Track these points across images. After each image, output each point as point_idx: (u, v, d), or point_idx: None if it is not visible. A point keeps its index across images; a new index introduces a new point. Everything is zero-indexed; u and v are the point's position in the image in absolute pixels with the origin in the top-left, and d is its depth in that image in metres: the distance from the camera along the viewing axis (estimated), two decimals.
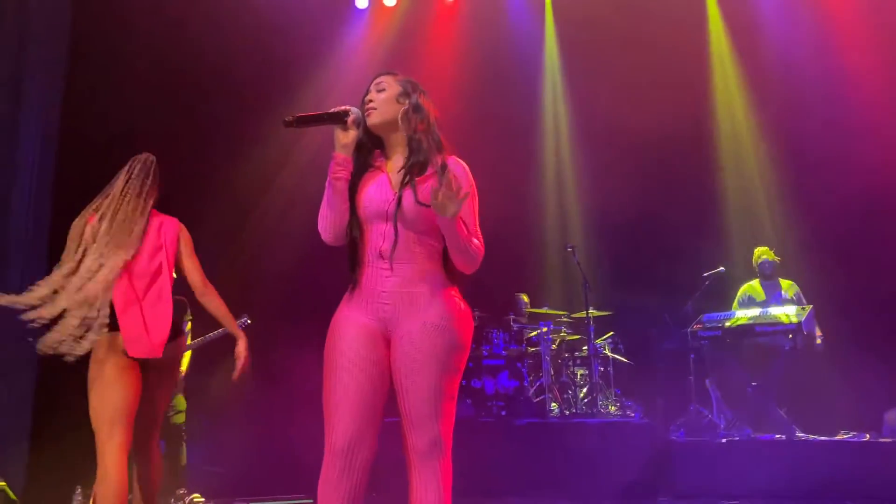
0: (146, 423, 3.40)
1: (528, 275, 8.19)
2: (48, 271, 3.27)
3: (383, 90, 2.66)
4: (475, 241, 2.53)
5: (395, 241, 2.52)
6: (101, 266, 3.27)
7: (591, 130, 8.03)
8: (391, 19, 7.93)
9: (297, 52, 7.30)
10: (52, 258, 3.42)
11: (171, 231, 3.50)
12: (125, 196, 3.45)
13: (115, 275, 3.27)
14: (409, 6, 7.93)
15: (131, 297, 3.31)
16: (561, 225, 8.47)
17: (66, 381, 5.09)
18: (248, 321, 5.33)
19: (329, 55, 7.50)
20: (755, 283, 6.86)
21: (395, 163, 2.65)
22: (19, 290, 3.13)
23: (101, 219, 3.37)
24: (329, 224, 2.58)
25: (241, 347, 3.51)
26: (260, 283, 6.87)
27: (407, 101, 2.64)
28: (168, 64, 6.60)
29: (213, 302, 3.47)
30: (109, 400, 3.24)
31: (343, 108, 2.56)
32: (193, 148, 6.65)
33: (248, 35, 7.05)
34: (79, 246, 3.30)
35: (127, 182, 3.49)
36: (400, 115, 2.60)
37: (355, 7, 7.97)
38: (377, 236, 2.57)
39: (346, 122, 2.55)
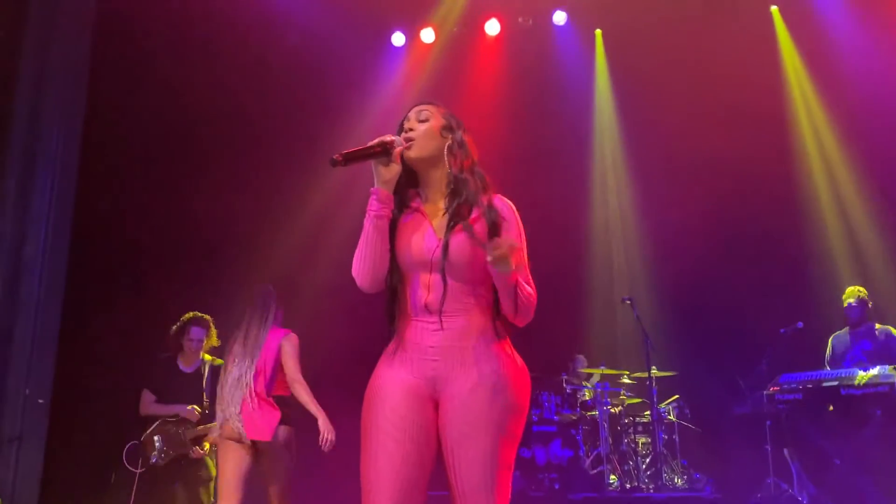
0: (271, 497, 4.41)
1: (580, 330, 8.22)
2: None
3: (425, 121, 2.66)
4: (528, 288, 2.52)
5: (445, 293, 2.50)
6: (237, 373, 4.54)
7: (648, 168, 8.10)
8: (430, 56, 8.18)
9: (330, 92, 7.68)
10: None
11: (275, 340, 4.66)
12: (250, 324, 4.69)
13: (247, 378, 4.55)
14: (449, 42, 8.18)
15: (250, 392, 4.51)
16: (616, 273, 8.48)
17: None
18: None
19: (364, 95, 7.78)
20: (843, 332, 6.75)
21: (435, 204, 2.65)
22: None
23: (237, 341, 4.66)
24: (368, 268, 2.56)
25: (323, 425, 4.42)
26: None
27: (451, 136, 2.66)
28: (195, 106, 7.07)
29: (299, 391, 4.53)
30: (223, 474, 4.41)
31: (388, 138, 2.58)
32: (217, 194, 7.06)
33: (280, 75, 7.44)
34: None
35: (252, 313, 4.71)
36: (445, 150, 2.61)
37: (391, 45, 8.26)
38: (421, 287, 2.56)
39: (390, 155, 2.56)
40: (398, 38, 8.29)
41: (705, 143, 7.38)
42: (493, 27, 8.23)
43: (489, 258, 2.37)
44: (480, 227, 2.52)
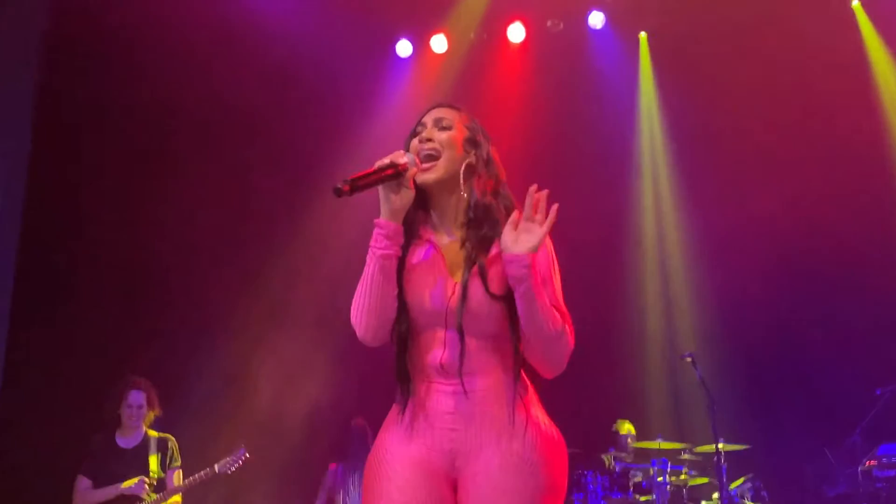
0: None
1: (629, 394, 8.08)
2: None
3: (447, 129, 2.58)
4: (558, 317, 2.44)
5: (463, 351, 2.44)
6: None
7: (706, 194, 8.03)
8: (442, 67, 8.23)
9: (323, 108, 7.80)
10: None
11: None
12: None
13: None
14: (465, 51, 8.22)
15: None
16: (672, 325, 8.32)
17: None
18: (246, 454, 5.88)
19: (364, 113, 7.88)
20: None
21: (450, 234, 2.59)
22: None
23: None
24: (371, 316, 2.49)
25: None
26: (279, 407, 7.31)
27: (475, 152, 2.57)
28: (171, 120, 7.39)
29: None
30: None
31: (401, 159, 2.47)
32: (209, 222, 7.34)
33: (265, 88, 7.61)
34: None
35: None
36: (463, 170, 2.53)
37: (396, 55, 8.31)
38: (435, 341, 2.50)
39: (402, 179, 2.47)
40: (404, 48, 8.31)
41: (776, 165, 7.43)
42: (516, 32, 8.23)
43: (502, 240, 2.35)
44: (499, 266, 2.44)
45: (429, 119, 2.62)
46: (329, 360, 7.23)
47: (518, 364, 2.49)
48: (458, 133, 2.59)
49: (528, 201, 2.38)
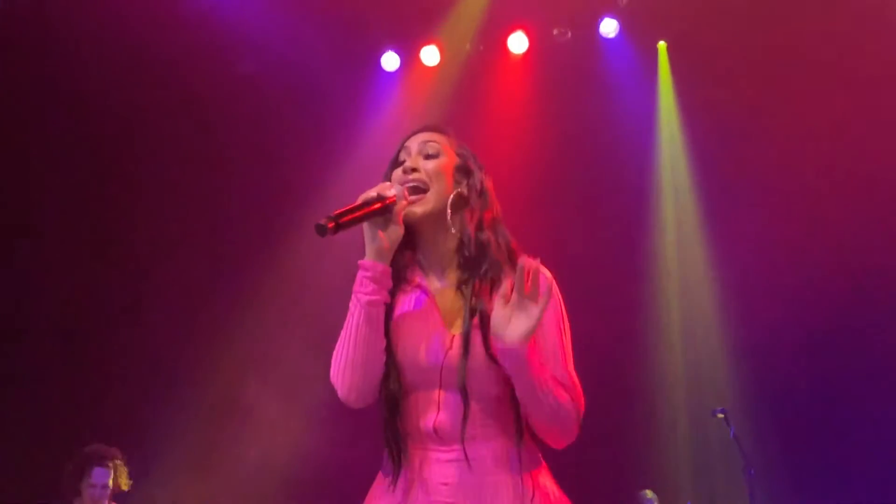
0: None
1: (652, 457, 7.80)
2: None
3: (435, 156, 2.54)
4: (562, 392, 2.39)
5: (466, 413, 2.39)
6: None
7: (737, 221, 7.82)
8: (434, 82, 8.02)
9: (297, 129, 7.66)
10: None
11: None
12: None
13: None
14: (460, 64, 8.01)
15: None
16: (699, 376, 8.00)
17: None
18: None
19: (345, 135, 7.68)
20: None
21: (440, 278, 2.56)
22: None
23: None
24: (356, 373, 2.45)
25: None
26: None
27: (466, 182, 2.54)
28: (153, 147, 7.43)
29: None
30: None
31: (389, 192, 2.44)
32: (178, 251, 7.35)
33: (231, 109, 7.52)
34: None
35: None
36: (451, 203, 2.48)
37: (381, 69, 8.11)
38: (428, 403, 2.45)
39: (390, 214, 2.42)
40: (390, 61, 8.08)
41: (815, 187, 7.28)
42: (518, 43, 8.01)
43: (492, 324, 2.28)
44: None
45: (413, 145, 2.56)
46: (305, 420, 6.95)
47: (521, 428, 2.45)
48: (447, 160, 2.54)
49: (518, 274, 2.25)
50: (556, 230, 7.07)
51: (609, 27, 7.96)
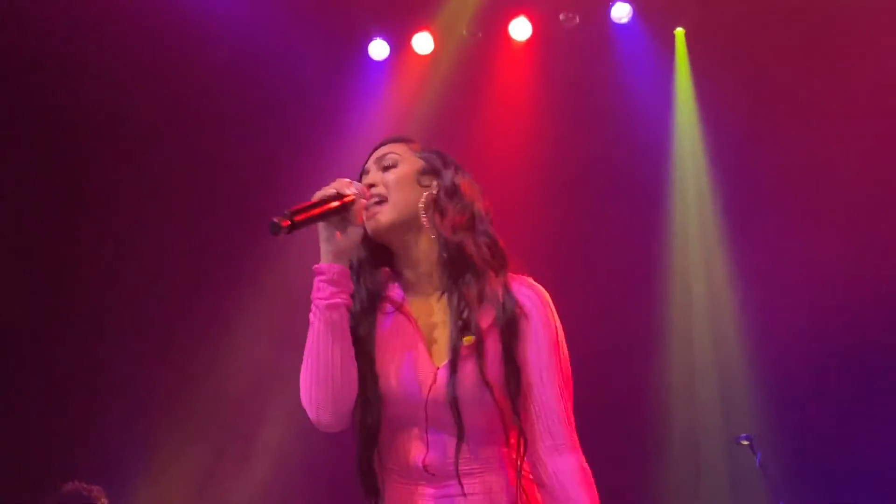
0: None
1: (671, 487, 7.55)
2: None
3: (392, 167, 2.58)
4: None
5: (459, 451, 2.39)
6: None
7: (759, 223, 7.64)
8: (427, 72, 7.79)
9: (275, 124, 7.51)
10: None
11: None
12: None
13: None
14: (455, 52, 7.77)
15: None
16: (723, 397, 7.76)
17: None
18: None
19: (331, 128, 7.47)
20: None
21: (425, 295, 2.55)
22: None
23: None
24: (322, 389, 2.39)
25: None
26: None
27: (435, 182, 2.57)
28: (110, 140, 7.38)
29: None
30: None
31: (348, 189, 2.44)
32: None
33: (204, 100, 7.37)
34: None
35: None
36: (423, 204, 2.50)
37: (368, 58, 7.90)
38: (414, 439, 2.45)
39: (348, 214, 2.43)
40: (379, 49, 7.85)
41: (848, 188, 7.10)
42: (520, 29, 7.78)
43: None
44: (492, 340, 2.44)
45: (370, 163, 2.62)
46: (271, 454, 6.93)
47: (512, 457, 2.47)
48: (407, 167, 2.58)
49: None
50: (560, 232, 6.98)
51: (621, 12, 7.79)
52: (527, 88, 7.90)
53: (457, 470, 2.40)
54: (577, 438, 2.44)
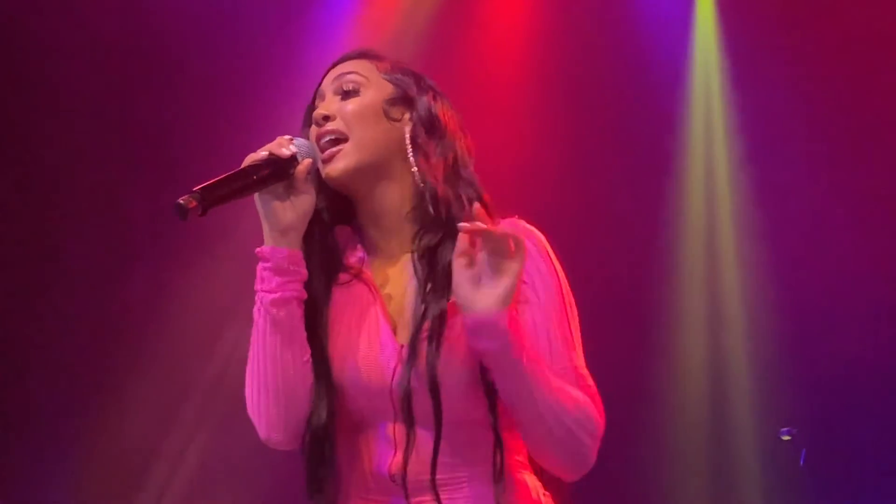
0: None
1: (702, 488, 7.38)
2: None
3: (353, 92, 2.30)
4: (572, 398, 2.11)
5: (436, 451, 2.14)
6: None
7: (784, 208, 7.46)
8: (401, 14, 7.30)
9: (221, 76, 7.06)
10: None
11: None
12: None
13: None
14: None
15: None
16: (756, 385, 7.44)
17: None
18: None
19: (287, 86, 6.75)
20: None
21: (391, 256, 2.33)
22: None
23: None
24: (272, 401, 2.21)
25: None
26: None
27: (408, 114, 2.30)
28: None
29: None
30: None
31: (285, 149, 2.20)
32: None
33: (149, 58, 7.09)
34: None
35: None
36: (409, 141, 2.27)
37: (332, 1, 7.45)
38: (380, 440, 2.22)
39: (292, 178, 2.21)
40: None
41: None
42: None
43: (458, 289, 2.04)
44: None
45: (327, 85, 2.31)
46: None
47: (501, 459, 2.18)
48: (372, 94, 2.28)
49: (481, 225, 2.00)
50: (558, 202, 6.55)
51: None
52: (523, 31, 7.40)
53: (433, 479, 2.16)
54: (595, 388, 2.19)
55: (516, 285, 2.02)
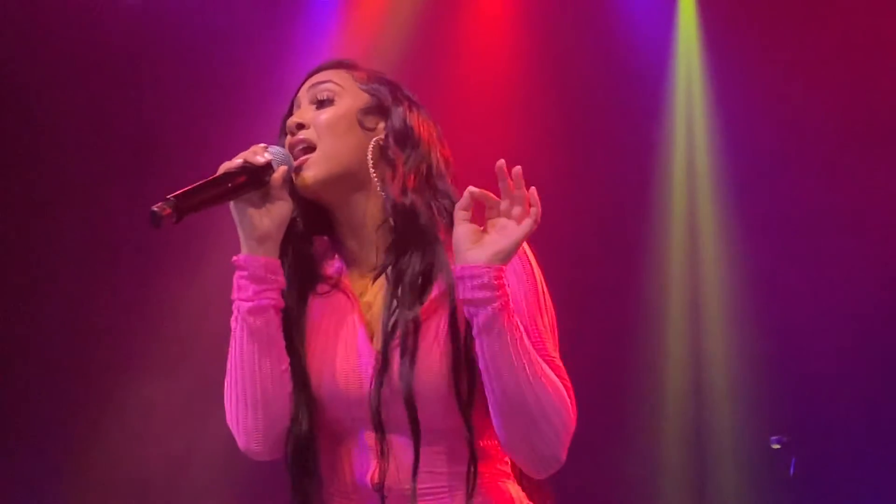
0: None
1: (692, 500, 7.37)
2: None
3: (327, 102, 2.31)
4: (549, 376, 2.11)
5: (417, 460, 2.14)
6: None
7: (762, 220, 7.40)
8: (387, 12, 7.28)
9: (211, 81, 7.04)
10: None
11: None
12: None
13: None
14: None
15: None
16: (741, 392, 7.39)
17: None
18: None
19: (268, 86, 6.76)
20: None
21: (369, 269, 2.32)
22: None
23: None
24: (250, 412, 2.21)
25: None
26: None
27: (381, 124, 2.31)
28: None
29: None
30: None
31: (259, 157, 2.20)
32: None
33: (129, 60, 7.00)
34: None
35: None
36: (371, 154, 2.25)
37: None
38: (361, 449, 2.22)
39: (268, 186, 2.20)
40: None
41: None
42: None
43: (458, 244, 2.08)
44: (441, 321, 2.21)
45: (303, 94, 2.33)
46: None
47: (474, 472, 2.18)
48: (347, 103, 2.29)
49: (501, 184, 2.06)
50: (543, 200, 6.69)
51: None
52: (507, 29, 7.39)
53: (414, 490, 2.17)
54: (572, 389, 2.19)
55: (516, 250, 2.05)
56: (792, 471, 6.36)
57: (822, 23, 6.98)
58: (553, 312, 2.29)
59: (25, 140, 6.95)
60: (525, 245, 2.22)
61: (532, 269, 2.27)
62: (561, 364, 2.22)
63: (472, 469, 2.21)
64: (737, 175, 7.64)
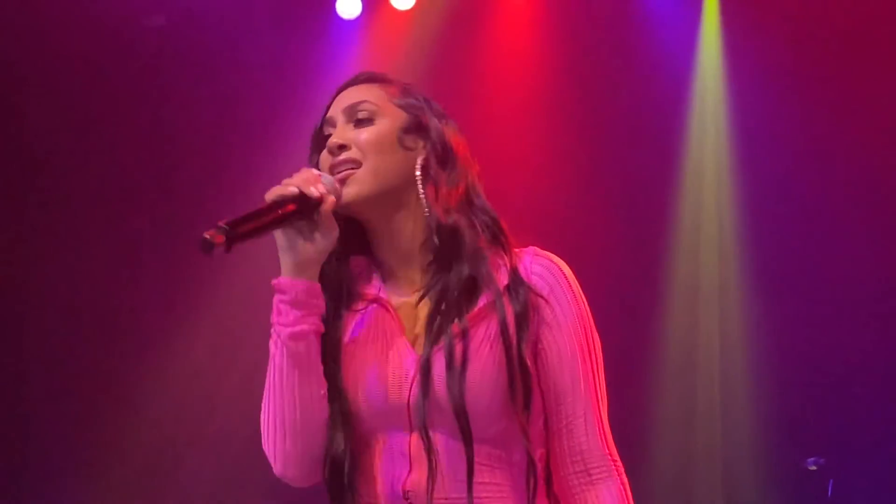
0: None
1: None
2: None
3: (368, 121, 2.27)
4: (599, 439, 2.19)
5: (471, 469, 2.12)
6: None
7: (795, 231, 7.33)
8: (409, 31, 7.36)
9: (227, 100, 7.12)
10: None
11: None
12: None
13: None
14: (441, 6, 7.29)
15: None
16: (784, 418, 7.23)
17: None
18: None
19: (293, 105, 6.84)
20: None
21: (409, 282, 2.30)
22: None
23: None
24: (293, 439, 2.19)
25: None
26: None
27: (423, 143, 2.29)
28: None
29: None
30: None
31: (313, 189, 2.16)
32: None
33: (153, 79, 7.15)
34: None
35: None
36: (420, 172, 2.23)
37: (337, 18, 7.39)
38: (395, 456, 2.19)
39: (317, 213, 2.17)
40: (349, 5, 7.35)
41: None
42: None
43: None
44: (490, 328, 2.18)
45: (337, 112, 2.27)
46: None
47: (533, 481, 2.15)
48: (387, 123, 2.25)
49: None
50: (561, 214, 6.68)
51: None
52: (526, 47, 7.47)
53: (470, 499, 2.12)
54: (618, 458, 2.19)
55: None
56: (830, 493, 6.22)
57: (843, 27, 7.01)
58: (601, 359, 2.25)
59: (48, 147, 7.01)
60: (573, 283, 2.23)
61: (585, 317, 2.25)
62: (613, 449, 2.21)
63: (533, 482, 2.20)
64: (760, 175, 7.56)
